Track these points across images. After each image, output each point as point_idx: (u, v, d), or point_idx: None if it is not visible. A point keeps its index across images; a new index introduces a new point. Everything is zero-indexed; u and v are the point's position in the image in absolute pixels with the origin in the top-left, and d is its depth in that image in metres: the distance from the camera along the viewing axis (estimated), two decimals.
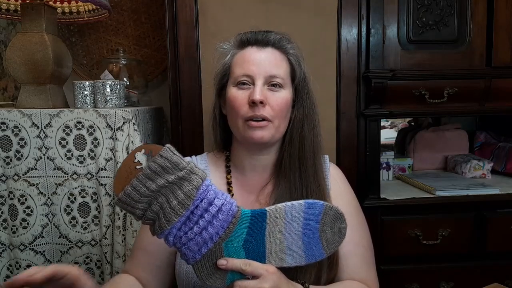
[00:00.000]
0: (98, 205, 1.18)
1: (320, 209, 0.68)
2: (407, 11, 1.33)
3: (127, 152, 1.15)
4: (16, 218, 1.17)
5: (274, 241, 0.67)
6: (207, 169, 0.93)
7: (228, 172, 0.92)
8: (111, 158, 1.16)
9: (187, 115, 1.30)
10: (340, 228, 0.69)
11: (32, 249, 1.19)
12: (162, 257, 0.86)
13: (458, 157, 1.72)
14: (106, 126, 1.16)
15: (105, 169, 1.16)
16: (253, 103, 0.80)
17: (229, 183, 0.91)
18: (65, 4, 1.48)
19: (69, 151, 1.17)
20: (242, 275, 0.66)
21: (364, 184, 1.36)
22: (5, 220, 1.19)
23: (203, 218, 0.64)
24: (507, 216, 1.38)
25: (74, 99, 1.24)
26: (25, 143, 1.17)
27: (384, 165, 1.63)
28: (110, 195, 1.16)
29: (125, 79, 1.54)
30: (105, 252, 1.17)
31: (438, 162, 1.81)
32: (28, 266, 1.19)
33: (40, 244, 1.20)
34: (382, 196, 1.37)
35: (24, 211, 1.18)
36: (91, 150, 1.17)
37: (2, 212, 1.19)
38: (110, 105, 1.23)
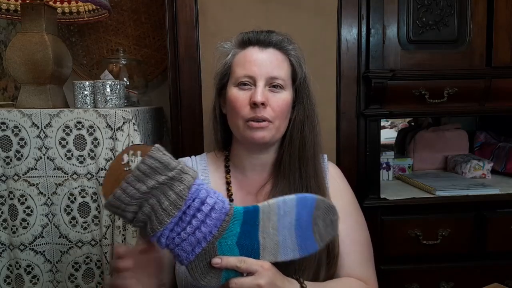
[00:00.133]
0: (98, 205, 1.18)
1: (312, 203, 0.68)
2: (407, 11, 1.33)
3: None
4: (16, 218, 1.17)
5: (268, 236, 0.67)
6: (206, 169, 0.93)
7: (227, 172, 0.92)
8: (111, 158, 1.16)
9: (187, 115, 1.30)
10: (332, 220, 0.69)
11: (32, 249, 1.19)
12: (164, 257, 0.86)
13: (458, 157, 1.72)
14: (106, 126, 1.16)
15: (105, 169, 1.16)
16: (254, 105, 0.80)
17: (228, 183, 0.91)
18: (65, 4, 1.48)
19: (69, 151, 1.17)
20: (237, 273, 0.66)
21: (364, 184, 1.36)
22: (5, 220, 1.19)
23: (196, 217, 0.63)
24: (507, 216, 1.38)
25: (74, 99, 1.24)
26: (25, 143, 1.17)
27: (384, 165, 1.63)
28: None
29: (125, 79, 1.54)
30: (105, 252, 1.17)
31: (438, 162, 1.81)
32: (28, 266, 1.19)
33: (40, 244, 1.20)
34: (382, 196, 1.37)
35: (24, 211, 1.18)
36: (91, 150, 1.17)
37: (2, 212, 1.19)
38: (110, 105, 1.23)
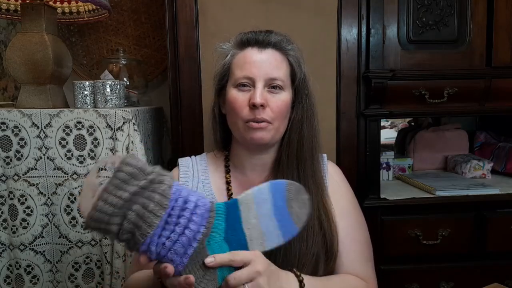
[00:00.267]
0: None
1: (284, 187, 0.70)
2: (407, 11, 1.33)
3: (127, 152, 1.15)
4: (16, 218, 1.17)
5: (252, 227, 0.68)
6: (206, 169, 0.93)
7: (227, 171, 0.92)
8: None
9: (187, 115, 1.30)
10: (303, 199, 0.70)
11: (32, 249, 1.19)
12: None
13: (458, 157, 1.72)
14: (106, 126, 1.16)
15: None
16: (253, 106, 0.80)
17: (228, 183, 0.91)
18: (65, 4, 1.48)
19: (69, 151, 1.17)
20: (231, 270, 0.66)
21: (364, 184, 1.36)
22: (5, 220, 1.19)
23: (183, 216, 0.63)
24: (507, 216, 1.38)
25: (74, 99, 1.24)
26: (25, 143, 1.17)
27: (384, 165, 1.63)
28: None
29: (125, 79, 1.54)
30: (105, 252, 1.17)
31: (438, 162, 1.81)
32: (28, 266, 1.19)
33: (40, 244, 1.20)
34: (382, 196, 1.37)
35: (24, 211, 1.18)
36: (91, 150, 1.17)
37: (2, 212, 1.19)
38: (110, 105, 1.23)
